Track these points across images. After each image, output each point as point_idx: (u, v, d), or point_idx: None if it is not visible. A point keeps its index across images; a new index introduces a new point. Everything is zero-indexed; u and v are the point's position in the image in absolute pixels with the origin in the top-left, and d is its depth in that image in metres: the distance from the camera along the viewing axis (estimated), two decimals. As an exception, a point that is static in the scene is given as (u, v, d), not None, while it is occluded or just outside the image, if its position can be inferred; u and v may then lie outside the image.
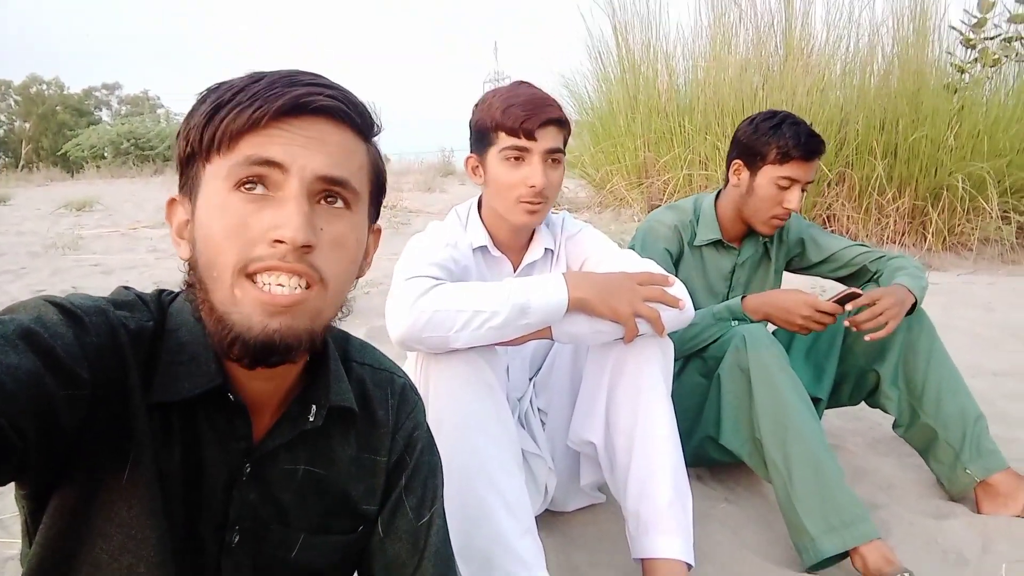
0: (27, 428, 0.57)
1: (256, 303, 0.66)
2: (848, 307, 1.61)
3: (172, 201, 0.74)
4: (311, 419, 0.78)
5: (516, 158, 1.41)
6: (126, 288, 0.76)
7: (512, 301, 1.24)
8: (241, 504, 0.76)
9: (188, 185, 0.72)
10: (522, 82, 1.49)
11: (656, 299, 1.34)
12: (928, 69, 5.45)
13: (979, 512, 1.71)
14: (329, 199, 0.70)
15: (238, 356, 0.67)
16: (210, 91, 0.71)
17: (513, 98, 1.41)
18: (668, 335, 1.41)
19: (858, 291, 1.62)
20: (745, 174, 1.82)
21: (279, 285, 0.66)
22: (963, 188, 5.03)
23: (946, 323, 3.29)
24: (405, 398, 0.89)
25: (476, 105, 1.48)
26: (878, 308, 1.62)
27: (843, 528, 1.43)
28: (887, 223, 5.28)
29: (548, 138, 1.41)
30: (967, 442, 1.71)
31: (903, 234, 5.27)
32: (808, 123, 1.79)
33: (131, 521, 0.68)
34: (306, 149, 0.68)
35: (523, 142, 1.40)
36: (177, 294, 0.77)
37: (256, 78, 0.69)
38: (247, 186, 0.67)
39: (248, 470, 0.75)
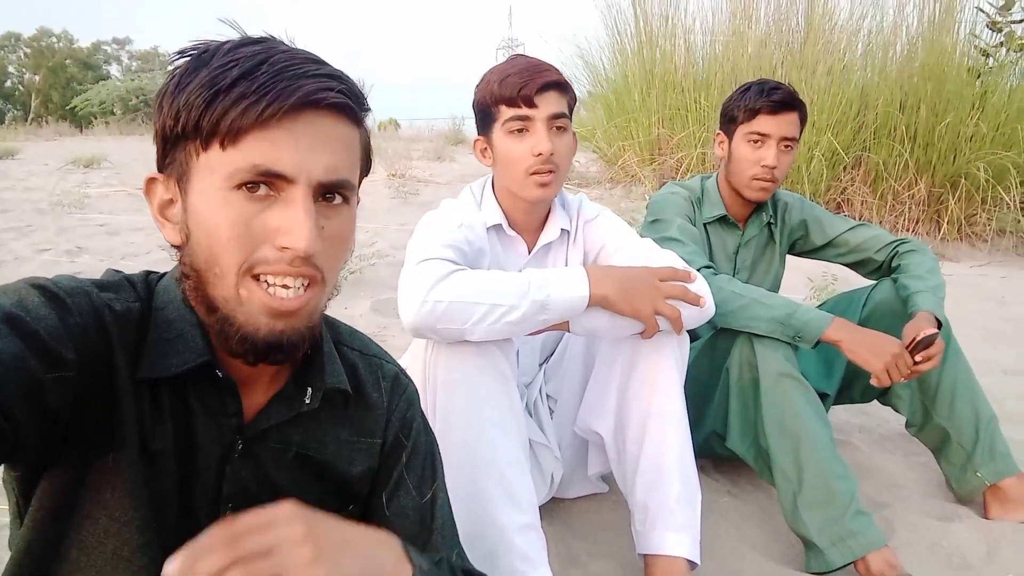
0: (15, 412, 0.57)
1: (263, 306, 0.67)
2: (918, 357, 1.53)
3: (152, 180, 0.72)
4: (307, 401, 0.78)
5: (520, 130, 1.37)
6: (115, 271, 0.76)
7: (531, 296, 1.21)
8: (235, 480, 0.75)
9: (175, 167, 0.69)
10: (518, 55, 1.45)
11: (678, 297, 1.30)
12: (953, 50, 5.32)
13: (986, 517, 1.69)
14: (328, 196, 0.70)
15: (242, 353, 0.69)
16: (202, 62, 0.66)
17: (509, 69, 1.38)
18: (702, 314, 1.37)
19: (931, 338, 1.52)
20: (726, 143, 1.84)
21: (284, 287, 0.67)
22: (984, 176, 4.93)
23: (957, 317, 3.23)
24: (398, 381, 0.90)
25: (477, 86, 1.44)
26: (935, 350, 1.54)
27: (850, 538, 1.42)
28: (902, 210, 5.20)
29: (550, 103, 1.37)
30: (980, 444, 1.68)
31: (917, 222, 5.19)
32: (786, 84, 1.78)
33: (114, 503, 0.68)
34: (312, 152, 0.66)
35: (524, 110, 1.36)
36: (164, 274, 0.77)
37: (259, 60, 0.65)
38: (249, 187, 0.66)
39: (240, 447, 0.75)
